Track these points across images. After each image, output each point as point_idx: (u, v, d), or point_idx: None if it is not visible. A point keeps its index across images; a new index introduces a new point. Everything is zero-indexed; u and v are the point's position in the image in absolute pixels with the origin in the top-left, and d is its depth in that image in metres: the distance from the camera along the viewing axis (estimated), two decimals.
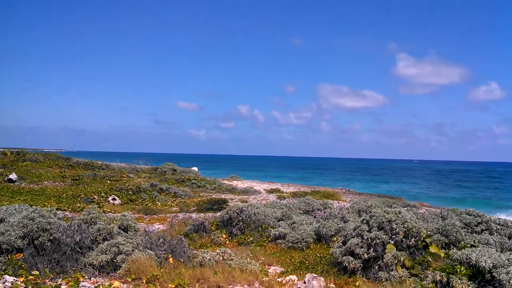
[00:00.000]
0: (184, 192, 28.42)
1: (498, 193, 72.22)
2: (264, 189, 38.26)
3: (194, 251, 10.65)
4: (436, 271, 7.53)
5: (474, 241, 9.71)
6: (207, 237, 13.21)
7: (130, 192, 26.69)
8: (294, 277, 8.58)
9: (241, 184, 42.89)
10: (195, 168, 46.64)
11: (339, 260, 9.24)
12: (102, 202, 22.60)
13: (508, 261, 7.17)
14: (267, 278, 8.53)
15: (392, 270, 8.34)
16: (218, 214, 15.21)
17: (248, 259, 9.57)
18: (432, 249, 8.92)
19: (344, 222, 13.06)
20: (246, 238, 12.71)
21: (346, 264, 8.89)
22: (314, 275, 7.93)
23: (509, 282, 6.58)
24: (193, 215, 18.22)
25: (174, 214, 19.31)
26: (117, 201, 23.60)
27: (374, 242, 8.85)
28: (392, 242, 8.92)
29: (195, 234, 13.37)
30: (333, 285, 8.27)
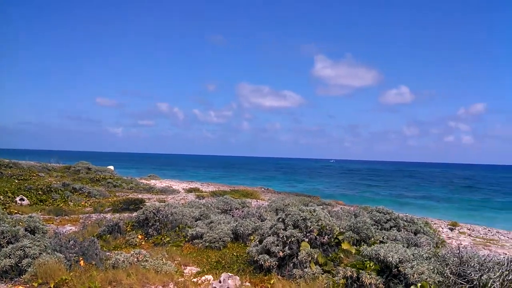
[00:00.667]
0: (98, 191, 27.41)
1: (406, 191, 76.37)
2: (183, 189, 37.88)
3: (108, 253, 10.29)
4: (347, 267, 7.78)
5: (383, 237, 10.17)
6: (122, 238, 12.81)
7: (40, 192, 25.29)
8: (210, 276, 8.52)
9: (159, 183, 42.17)
10: (111, 167, 45.16)
11: (255, 259, 9.31)
12: (8, 203, 21.22)
13: (413, 255, 7.56)
14: (183, 279, 8.42)
15: (306, 267, 8.52)
16: (134, 214, 14.79)
17: (163, 260, 9.40)
18: (344, 246, 9.22)
19: (261, 221, 13.18)
20: (163, 238, 12.47)
21: (262, 262, 8.97)
22: (230, 274, 7.93)
23: (413, 276, 6.93)
24: (108, 215, 17.62)
25: (87, 214, 18.56)
26: (26, 202, 22.29)
27: (290, 240, 9.00)
28: (307, 239, 9.11)
29: (109, 236, 12.92)
30: (249, 284, 8.31)
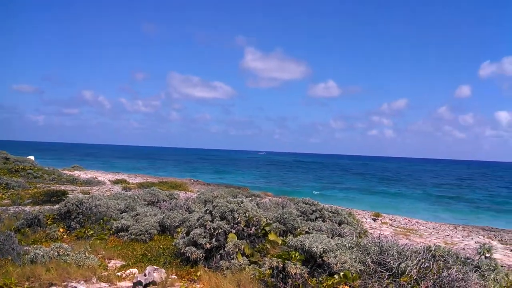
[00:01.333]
0: (17, 183, 25.99)
1: (332, 183, 78.67)
2: (109, 180, 36.81)
3: (26, 248, 9.80)
4: (273, 258, 7.86)
5: (309, 228, 10.38)
6: (42, 231, 12.24)
7: None
8: (135, 270, 8.35)
9: (83, 174, 40.73)
10: (32, 157, 43.14)
11: (182, 251, 9.21)
12: None
13: (337, 245, 7.76)
14: (106, 273, 8.18)
15: (233, 259, 8.54)
16: (56, 206, 14.17)
17: (86, 253, 9.07)
18: (271, 236, 9.32)
19: (189, 213, 13.06)
20: (86, 231, 12.05)
21: (189, 254, 8.89)
22: (155, 267, 7.78)
23: (337, 265, 7.11)
24: (27, 208, 16.78)
25: (4, 207, 17.56)
26: None
27: (217, 232, 8.98)
28: (234, 231, 9.12)
29: (28, 229, 12.31)
30: (175, 276, 8.21)
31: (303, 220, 11.10)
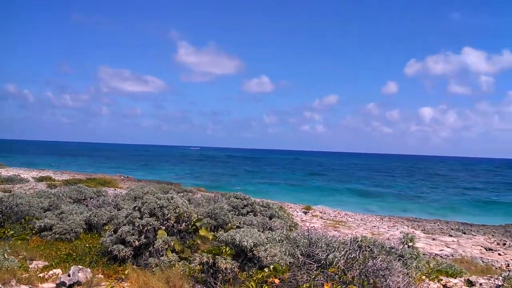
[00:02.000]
0: None
1: (265, 177, 79.51)
2: (33, 177, 35.13)
3: None
4: (203, 253, 7.78)
5: (240, 222, 10.37)
6: None
7: None
8: (58, 270, 7.98)
9: (5, 171, 38.65)
10: None
11: (109, 249, 8.92)
12: None
13: (267, 239, 7.79)
14: (27, 275, 7.76)
15: (162, 256, 8.37)
16: None
17: (5, 255, 8.56)
18: (202, 232, 9.23)
19: (118, 210, 12.69)
20: (6, 232, 11.38)
21: (116, 252, 8.63)
22: (80, 267, 7.48)
23: (267, 258, 7.14)
24: None
25: None
26: None
27: (146, 228, 8.77)
28: (164, 227, 8.95)
29: None
30: (101, 276, 7.93)
31: (235, 214, 11.07)
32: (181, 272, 7.56)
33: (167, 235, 8.75)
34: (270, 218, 11.36)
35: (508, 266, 18.51)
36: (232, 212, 11.02)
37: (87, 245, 10.33)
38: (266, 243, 7.61)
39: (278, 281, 6.74)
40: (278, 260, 7.06)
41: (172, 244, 8.52)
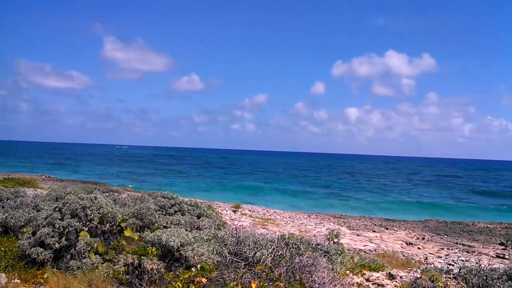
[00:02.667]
0: None
1: (194, 176, 78.97)
2: None
3: None
4: (128, 254, 7.56)
5: (167, 222, 10.19)
6: None
7: None
8: None
9: None
10: None
11: (27, 253, 8.44)
12: None
13: (195, 238, 7.69)
14: None
15: (85, 258, 8.04)
16: None
17: None
18: (127, 233, 8.97)
19: (37, 211, 12.05)
20: None
21: (35, 256, 8.18)
22: None
23: (194, 258, 7.05)
24: None
25: None
26: None
27: (67, 230, 8.38)
28: (86, 229, 8.60)
29: None
30: (18, 281, 7.50)
31: (162, 214, 10.86)
32: (105, 274, 7.30)
33: (90, 237, 8.42)
34: (198, 217, 11.24)
35: (427, 259, 19.50)
36: (159, 212, 10.81)
37: (2, 248, 9.73)
38: (194, 243, 7.51)
39: (205, 280, 6.67)
40: (206, 259, 6.98)
41: (95, 245, 8.21)
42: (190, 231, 8.46)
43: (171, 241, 7.42)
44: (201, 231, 8.46)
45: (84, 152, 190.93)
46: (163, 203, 11.51)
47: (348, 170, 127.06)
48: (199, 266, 6.92)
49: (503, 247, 25.67)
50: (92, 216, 8.68)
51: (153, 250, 7.56)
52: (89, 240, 8.21)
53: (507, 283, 6.54)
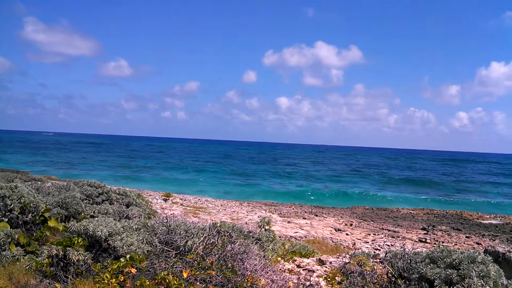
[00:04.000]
0: None
1: (123, 165, 77.11)
2: None
3: None
4: (52, 245, 7.21)
5: (94, 211, 9.83)
6: None
7: None
8: None
9: None
10: None
11: None
12: None
13: (123, 228, 7.47)
14: None
15: (4, 250, 7.59)
16: None
17: None
18: (51, 223, 8.55)
19: None
20: None
21: None
22: None
23: (123, 248, 6.85)
24: None
25: None
26: None
27: None
28: (6, 219, 8.13)
29: None
30: None
31: (89, 203, 10.46)
32: (27, 267, 6.92)
33: (11, 228, 7.96)
34: (128, 206, 10.94)
35: (355, 244, 20.19)
36: (85, 201, 10.42)
37: None
38: (123, 232, 7.29)
39: (135, 270, 6.49)
40: (135, 249, 6.80)
41: (16, 237, 7.76)
42: (118, 221, 8.21)
43: (98, 231, 7.16)
44: (130, 221, 8.23)
45: (5, 139, 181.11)
46: (89, 192, 11.09)
47: (278, 158, 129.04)
48: (128, 256, 6.72)
49: (425, 231, 27.09)
50: (12, 206, 8.21)
51: (79, 241, 7.27)
52: (9, 231, 7.75)
53: (429, 266, 6.85)
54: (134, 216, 9.78)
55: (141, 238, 7.09)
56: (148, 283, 6.09)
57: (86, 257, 6.98)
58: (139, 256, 6.74)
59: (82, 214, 9.53)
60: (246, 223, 20.06)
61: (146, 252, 6.87)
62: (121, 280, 6.28)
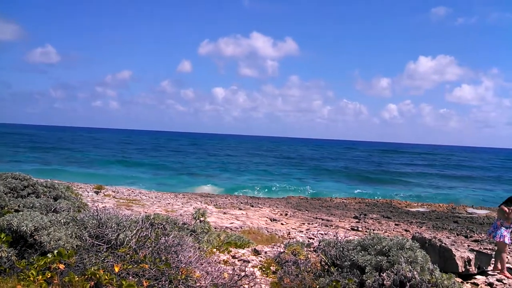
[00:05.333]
0: None
1: (49, 158, 74.15)
2: None
3: None
4: None
5: (19, 205, 9.33)
6: None
7: None
8: None
9: None
10: None
11: None
12: None
13: (51, 222, 7.14)
14: None
15: None
16: None
17: None
18: None
19: None
20: None
21: None
22: None
23: (50, 243, 6.54)
24: None
25: None
26: None
27: None
28: None
29: None
30: None
31: (13, 197, 9.90)
32: None
33: None
34: (56, 199, 10.46)
35: (289, 234, 20.48)
36: (9, 195, 9.86)
37: None
38: (50, 227, 6.96)
39: (63, 266, 6.21)
40: (63, 244, 6.51)
41: None
42: (45, 215, 7.85)
43: (23, 226, 6.81)
44: (58, 214, 7.88)
45: None
46: (14, 185, 10.49)
47: (214, 149, 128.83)
48: (56, 251, 6.42)
49: (356, 220, 27.95)
50: None
51: (2, 237, 6.88)
52: None
53: (360, 253, 7.03)
54: (63, 209, 9.36)
55: (69, 233, 6.79)
56: (77, 279, 5.85)
57: (9, 254, 6.63)
58: (67, 251, 6.45)
59: (6, 208, 9.03)
60: (181, 214, 19.84)
61: (75, 247, 6.59)
62: (48, 276, 5.99)
